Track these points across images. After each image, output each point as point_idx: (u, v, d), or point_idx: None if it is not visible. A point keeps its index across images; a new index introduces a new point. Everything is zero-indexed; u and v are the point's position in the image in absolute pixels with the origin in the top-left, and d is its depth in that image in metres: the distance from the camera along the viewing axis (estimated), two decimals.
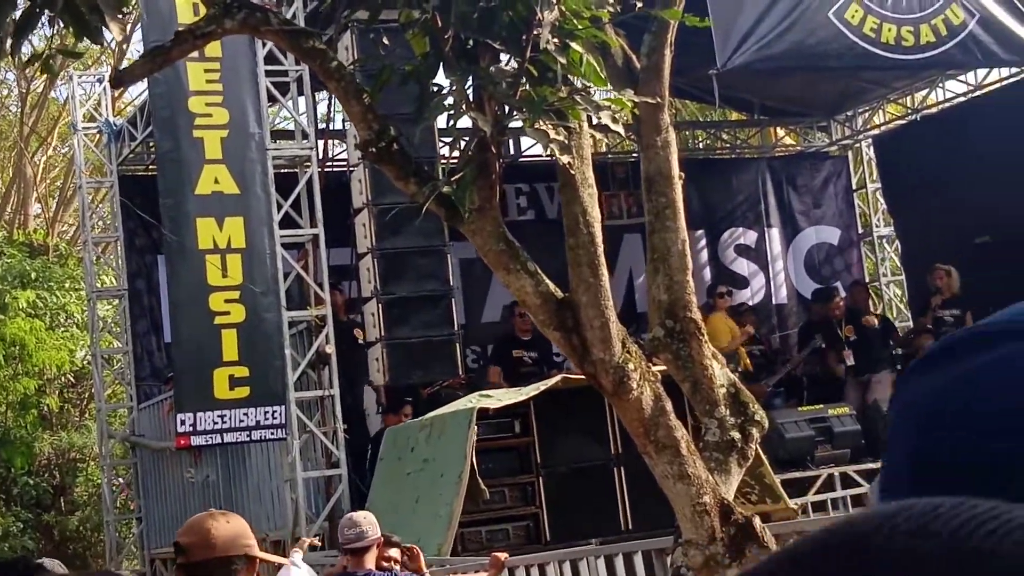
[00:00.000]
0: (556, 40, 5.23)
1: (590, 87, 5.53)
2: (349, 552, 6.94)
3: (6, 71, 23.98)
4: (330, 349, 12.40)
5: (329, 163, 14.69)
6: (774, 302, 19.03)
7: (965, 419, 0.87)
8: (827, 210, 19.70)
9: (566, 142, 5.31)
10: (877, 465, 13.10)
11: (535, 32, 5.15)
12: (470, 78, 5.35)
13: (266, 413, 12.12)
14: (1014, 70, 16.48)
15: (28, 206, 25.92)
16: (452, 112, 5.41)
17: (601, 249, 5.84)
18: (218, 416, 12.06)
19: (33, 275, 20.26)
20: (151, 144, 14.18)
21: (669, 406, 6.07)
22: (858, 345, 15.09)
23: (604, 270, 5.82)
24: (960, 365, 0.89)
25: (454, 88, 5.33)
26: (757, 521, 6.14)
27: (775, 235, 19.32)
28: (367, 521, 6.95)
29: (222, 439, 12.21)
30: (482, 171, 5.48)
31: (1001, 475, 0.84)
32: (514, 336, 14.37)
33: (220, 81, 12.20)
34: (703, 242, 18.71)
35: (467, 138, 5.75)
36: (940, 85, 18.55)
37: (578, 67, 5.34)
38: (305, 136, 12.83)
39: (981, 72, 17.55)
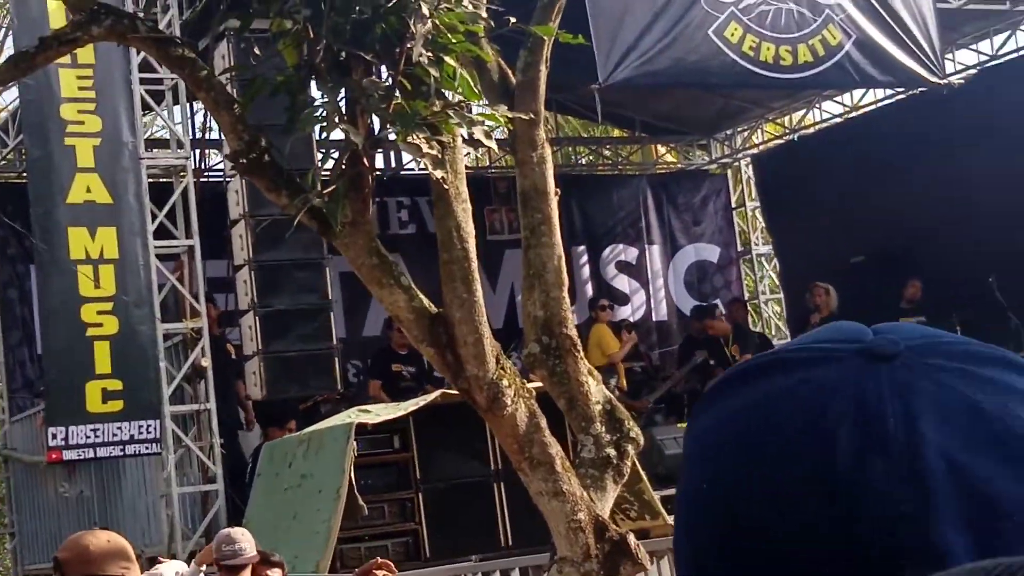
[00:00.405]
0: (430, 54, 5.18)
1: (464, 102, 5.49)
2: (225, 568, 6.83)
3: None
4: (206, 362, 12.22)
5: (206, 173, 14.49)
6: (654, 319, 19.16)
7: (749, 449, 0.86)
8: (707, 228, 19.89)
9: (439, 156, 5.26)
10: None
11: (408, 45, 5.10)
12: (342, 90, 5.28)
13: (140, 427, 11.90)
14: (889, 92, 16.78)
15: None
16: (324, 125, 5.34)
17: (475, 264, 5.80)
18: (91, 430, 11.82)
19: None
20: (23, 151, 13.88)
21: (544, 423, 6.03)
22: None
23: (478, 286, 5.78)
24: (751, 392, 0.88)
25: (326, 100, 5.26)
26: (631, 538, 6.13)
27: (656, 252, 19.46)
28: (244, 538, 6.85)
29: (95, 453, 11.97)
30: (354, 185, 5.41)
31: (778, 507, 0.83)
32: (391, 350, 14.34)
33: (93, 88, 11.97)
34: (585, 258, 18.80)
35: (339, 151, 5.68)
36: (817, 106, 18.85)
37: (452, 81, 5.30)
38: (180, 145, 12.65)
39: (857, 94, 17.86)
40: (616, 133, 21.07)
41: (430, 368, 14.52)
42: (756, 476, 0.84)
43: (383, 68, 5.45)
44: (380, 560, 7.34)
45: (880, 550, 0.79)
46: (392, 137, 5.23)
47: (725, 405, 0.89)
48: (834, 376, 0.85)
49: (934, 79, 14.06)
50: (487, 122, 5.38)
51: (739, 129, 19.97)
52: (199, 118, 15.02)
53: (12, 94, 16.30)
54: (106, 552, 3.50)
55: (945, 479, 0.80)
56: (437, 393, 11.12)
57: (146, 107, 12.52)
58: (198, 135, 14.54)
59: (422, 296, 5.78)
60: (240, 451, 13.40)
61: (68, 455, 11.93)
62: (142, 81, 12.18)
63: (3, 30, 15.49)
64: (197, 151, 13.83)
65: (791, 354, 0.90)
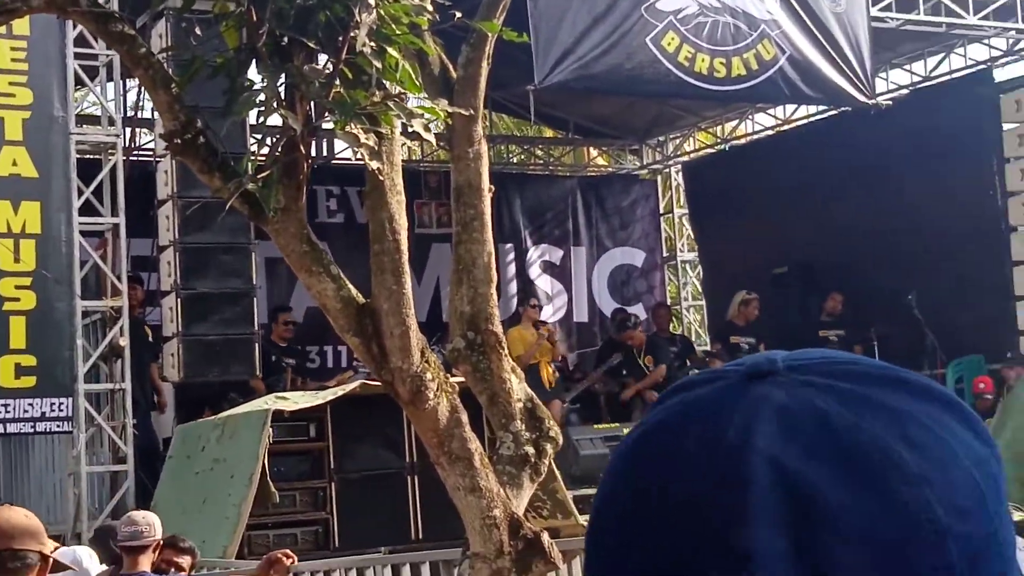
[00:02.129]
0: (373, 43, 5.17)
1: (404, 94, 5.48)
2: (124, 551, 6.80)
3: None
4: (124, 342, 12.11)
5: (135, 152, 14.35)
6: (575, 319, 19.23)
7: (635, 465, 0.92)
8: (633, 232, 20.00)
9: (376, 147, 5.25)
10: None
11: (351, 34, 5.08)
12: (282, 76, 5.26)
13: (52, 404, 11.75)
14: (820, 107, 16.95)
15: None
16: (262, 109, 5.31)
17: (406, 257, 5.80)
18: (1, 405, 11.66)
19: None
20: None
21: (465, 418, 6.04)
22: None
23: (407, 278, 5.78)
24: (656, 411, 0.94)
25: (265, 84, 5.23)
26: (545, 537, 6.15)
27: (581, 253, 19.53)
28: (144, 520, 6.80)
29: (4, 429, 11.80)
30: (289, 171, 5.38)
31: (631, 525, 0.89)
32: (271, 342, 14.31)
33: (26, 60, 11.80)
34: (511, 256, 18.82)
35: (276, 136, 5.64)
36: (749, 117, 19.01)
37: (393, 73, 5.29)
38: (112, 123, 12.52)
39: (790, 107, 18.03)
40: (549, 133, 21.11)
41: (307, 362, 14.75)
42: (627, 496, 0.90)
43: (324, 55, 5.42)
44: (280, 552, 7.34)
45: (695, 552, 0.85)
46: (330, 125, 5.21)
47: (642, 422, 0.95)
48: (711, 395, 0.91)
49: (863, 99, 14.25)
50: (426, 115, 5.38)
51: (671, 136, 20.10)
52: (131, 96, 14.87)
53: None
54: (24, 528, 3.48)
55: (769, 485, 0.85)
56: (356, 383, 11.11)
57: (79, 82, 12.37)
58: (129, 113, 14.38)
59: (350, 286, 5.77)
60: (152, 432, 13.29)
61: None
62: (76, 56, 12.03)
63: None
64: (128, 129, 13.68)
65: (697, 376, 0.96)
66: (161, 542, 6.82)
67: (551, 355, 15.36)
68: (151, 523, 6.77)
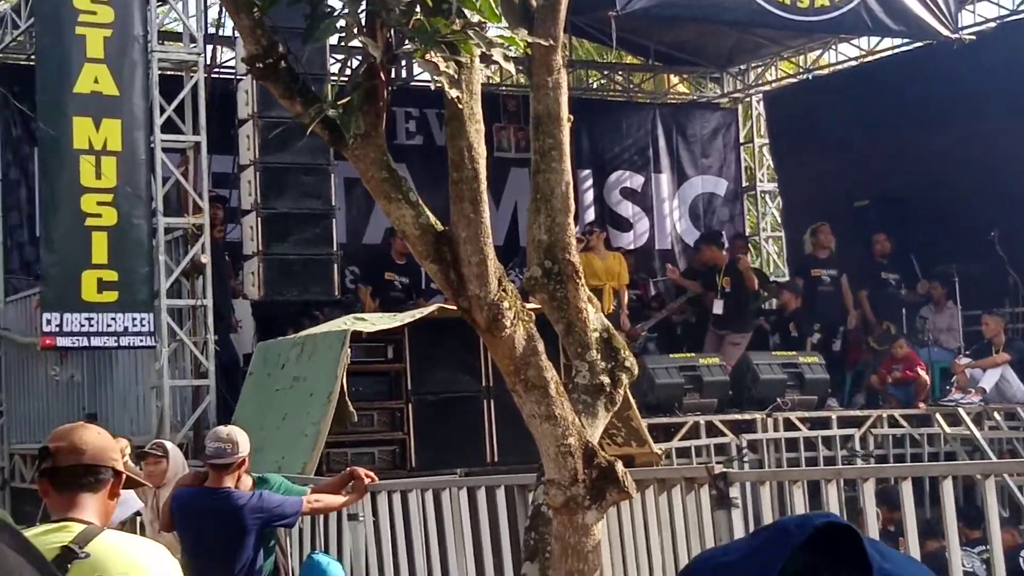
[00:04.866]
0: None
1: (484, 22, 5.46)
2: (209, 467, 6.89)
3: None
4: (205, 259, 12.25)
5: (217, 69, 14.41)
6: (657, 247, 19.17)
7: None
8: (714, 161, 19.86)
9: (456, 76, 5.23)
10: (742, 416, 13.31)
11: None
12: (363, 2, 5.25)
13: (134, 320, 11.95)
14: (904, 40, 16.67)
15: None
16: (343, 35, 5.30)
17: (484, 185, 5.78)
18: (85, 319, 11.87)
19: None
20: (33, 34, 13.77)
21: (541, 346, 6.04)
22: (729, 298, 15.15)
23: (486, 207, 5.77)
24: None
25: (346, 11, 5.22)
26: (619, 466, 6.17)
27: (663, 180, 19.43)
28: (229, 438, 6.83)
29: (89, 342, 12.02)
30: (369, 97, 5.38)
31: None
32: (388, 258, 14.42)
33: None
34: (589, 182, 18.77)
35: (357, 60, 5.64)
36: (833, 47, 18.73)
37: (473, 1, 5.26)
38: (193, 40, 12.58)
39: (874, 38, 17.75)
40: (630, 60, 20.95)
41: (426, 280, 14.60)
42: None
43: None
44: (362, 469, 7.46)
45: None
46: (410, 53, 5.20)
47: None
48: None
49: (946, 33, 14.04)
50: (506, 44, 5.35)
51: (753, 65, 19.86)
52: (212, 13, 14.92)
53: None
54: (99, 445, 3.57)
55: None
56: (434, 307, 11.17)
57: None
58: (211, 31, 14.43)
59: (429, 213, 5.78)
60: (233, 349, 13.46)
61: (62, 342, 11.99)
62: None
63: None
64: (209, 47, 13.73)
65: None
66: (246, 459, 6.88)
67: (618, 283, 15.13)
68: (235, 441, 6.82)
